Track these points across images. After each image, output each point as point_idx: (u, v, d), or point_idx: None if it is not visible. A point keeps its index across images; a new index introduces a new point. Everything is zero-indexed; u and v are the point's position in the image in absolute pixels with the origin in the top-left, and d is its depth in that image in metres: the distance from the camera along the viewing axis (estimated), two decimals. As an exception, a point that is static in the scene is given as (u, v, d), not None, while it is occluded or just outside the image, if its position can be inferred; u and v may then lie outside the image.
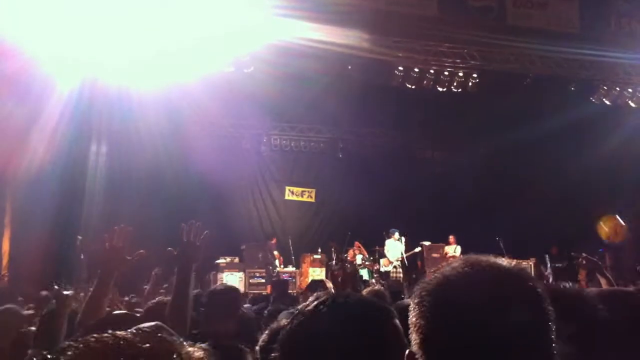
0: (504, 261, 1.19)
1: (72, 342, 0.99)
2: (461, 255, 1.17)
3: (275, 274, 15.15)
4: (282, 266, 15.50)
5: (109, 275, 3.14)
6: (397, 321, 1.49)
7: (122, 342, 0.99)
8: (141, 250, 3.46)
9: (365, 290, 4.59)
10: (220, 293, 4.15)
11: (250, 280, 14.90)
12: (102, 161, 13.21)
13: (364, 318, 1.45)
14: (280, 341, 1.49)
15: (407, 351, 1.20)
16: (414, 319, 1.18)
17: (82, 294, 10.60)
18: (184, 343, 1.08)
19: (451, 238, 16.04)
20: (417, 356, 1.17)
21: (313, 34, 11.62)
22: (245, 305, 5.98)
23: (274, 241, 15.89)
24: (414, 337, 1.18)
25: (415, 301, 1.19)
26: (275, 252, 15.56)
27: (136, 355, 0.97)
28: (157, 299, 5.04)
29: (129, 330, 1.07)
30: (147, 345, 1.00)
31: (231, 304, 3.99)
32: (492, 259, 1.20)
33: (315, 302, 1.50)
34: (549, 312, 1.14)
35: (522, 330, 1.10)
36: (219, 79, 12.69)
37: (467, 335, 1.09)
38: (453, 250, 15.92)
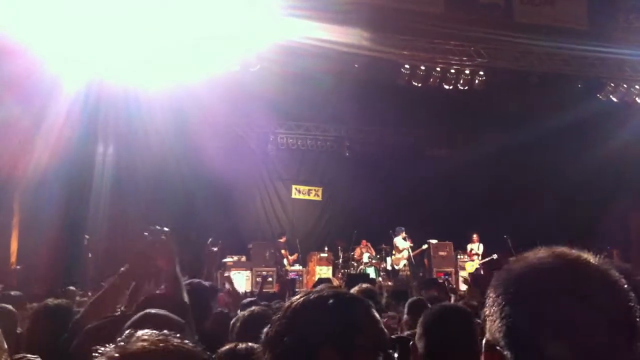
0: (590, 256, 1.16)
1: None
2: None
3: (283, 273, 15.20)
4: (290, 265, 15.51)
5: (131, 281, 3.12)
6: (375, 312, 1.58)
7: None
8: None
9: (356, 287, 4.56)
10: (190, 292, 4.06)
11: (257, 279, 14.92)
12: (109, 161, 13.25)
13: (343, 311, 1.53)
14: (267, 340, 1.55)
15: (484, 340, 1.17)
16: (495, 307, 1.15)
17: (89, 293, 10.68)
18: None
19: (475, 236, 16.02)
20: (499, 345, 1.14)
21: (319, 33, 11.60)
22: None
23: (283, 239, 15.87)
24: (495, 326, 1.14)
25: (499, 289, 1.15)
26: (283, 251, 15.56)
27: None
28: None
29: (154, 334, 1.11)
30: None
31: (201, 303, 3.93)
32: (579, 252, 1.17)
33: (301, 299, 1.57)
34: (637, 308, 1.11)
35: (610, 326, 1.07)
36: (225, 79, 12.69)
37: (555, 325, 1.07)
38: (477, 248, 15.90)
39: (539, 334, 1.08)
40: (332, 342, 1.49)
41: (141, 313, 2.34)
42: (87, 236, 12.57)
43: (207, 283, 4.64)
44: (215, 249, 13.42)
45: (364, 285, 4.72)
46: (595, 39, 13.27)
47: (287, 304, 1.64)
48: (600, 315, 1.07)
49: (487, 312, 1.18)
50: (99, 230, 12.83)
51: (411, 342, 2.48)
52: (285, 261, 15.45)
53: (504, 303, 1.13)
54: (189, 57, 11.72)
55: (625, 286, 1.13)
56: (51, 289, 9.62)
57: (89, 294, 11.21)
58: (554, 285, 1.09)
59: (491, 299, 1.17)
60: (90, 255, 12.44)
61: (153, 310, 2.35)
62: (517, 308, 1.11)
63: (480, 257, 15.68)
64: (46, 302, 3.72)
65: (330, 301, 1.57)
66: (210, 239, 13.25)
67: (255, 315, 3.62)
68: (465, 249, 16.11)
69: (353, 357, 1.50)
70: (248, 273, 14.93)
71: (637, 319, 1.10)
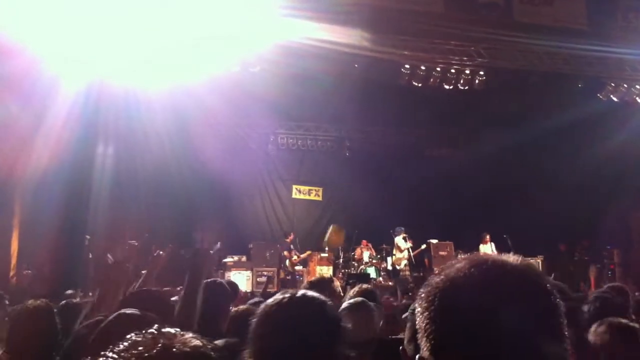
0: (509, 258, 1.15)
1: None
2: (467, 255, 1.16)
3: (286, 273, 15.25)
4: (294, 265, 15.47)
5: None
6: (332, 313, 1.67)
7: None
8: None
9: (354, 289, 4.53)
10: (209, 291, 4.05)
11: (258, 279, 14.93)
12: (109, 162, 13.24)
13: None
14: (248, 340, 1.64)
15: (417, 357, 1.16)
16: (422, 324, 1.14)
17: (90, 294, 10.69)
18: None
19: (487, 237, 15.78)
20: None
21: (319, 34, 11.60)
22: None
23: (290, 238, 15.82)
24: (423, 343, 1.14)
25: (423, 305, 1.15)
26: (286, 252, 15.53)
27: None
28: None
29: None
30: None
31: (220, 303, 3.93)
32: (497, 256, 1.17)
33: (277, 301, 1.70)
34: (560, 306, 1.12)
35: (534, 329, 1.07)
36: (225, 79, 12.70)
37: (479, 338, 1.06)
38: (490, 249, 15.74)
39: (465, 351, 1.07)
40: (303, 343, 1.56)
41: (115, 314, 2.39)
42: (87, 237, 12.57)
43: (224, 282, 4.62)
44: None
45: (364, 286, 4.70)
46: (595, 38, 13.25)
47: (261, 307, 1.73)
48: (523, 322, 1.06)
49: (417, 328, 1.17)
50: (100, 231, 12.82)
51: (401, 347, 2.47)
52: (287, 262, 15.43)
53: (428, 321, 1.13)
54: (189, 58, 11.73)
55: (547, 286, 1.13)
56: (52, 290, 9.65)
57: (90, 294, 11.26)
58: (473, 298, 1.08)
59: (418, 315, 1.17)
60: (91, 255, 12.44)
61: (128, 311, 2.40)
62: (440, 325, 1.11)
63: None
64: (26, 304, 3.71)
65: (300, 304, 1.67)
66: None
67: (242, 313, 3.66)
68: (477, 250, 15.98)
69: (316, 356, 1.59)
70: (248, 273, 14.94)
71: (561, 318, 1.11)
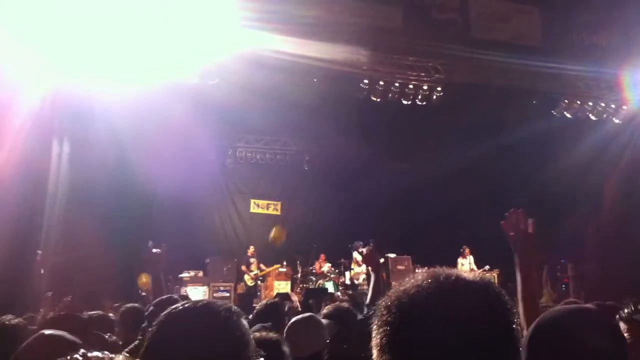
0: (468, 274, 1.17)
1: None
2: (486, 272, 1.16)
3: (244, 288, 15.11)
4: (252, 281, 15.30)
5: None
6: (244, 322, 1.65)
7: None
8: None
9: (329, 306, 4.46)
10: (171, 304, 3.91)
11: (215, 295, 14.73)
12: (65, 171, 12.87)
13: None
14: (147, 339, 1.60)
15: None
16: (378, 338, 1.14)
17: (41, 310, 10.34)
18: None
19: (466, 249, 15.84)
20: None
21: (279, 45, 11.58)
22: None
23: (251, 251, 15.65)
24: (376, 355, 1.15)
25: (380, 319, 1.16)
26: (243, 267, 15.36)
27: None
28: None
29: None
30: None
31: None
32: (455, 271, 1.18)
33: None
34: (516, 325, 1.13)
35: (489, 347, 1.08)
36: (183, 89, 12.56)
37: (434, 355, 1.07)
38: (468, 263, 15.75)
39: None
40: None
41: (36, 335, 2.39)
42: (39, 252, 12.17)
43: (179, 297, 4.48)
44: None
45: (342, 305, 4.57)
46: (549, 55, 13.54)
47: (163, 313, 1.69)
48: (480, 340, 1.07)
49: (373, 339, 1.18)
50: (52, 244, 12.45)
51: None
52: (246, 276, 15.25)
53: (384, 335, 1.14)
54: (149, 66, 11.56)
55: (507, 304, 1.15)
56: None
57: (41, 310, 10.90)
58: (430, 315, 1.09)
59: (374, 329, 1.17)
60: (42, 271, 12.06)
61: (47, 332, 2.40)
62: (396, 340, 1.12)
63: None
64: None
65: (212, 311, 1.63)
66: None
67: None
68: (455, 263, 16.00)
69: None
70: (205, 288, 14.72)
71: (516, 337, 1.13)
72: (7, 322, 3.81)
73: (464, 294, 1.12)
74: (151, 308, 3.92)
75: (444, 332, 1.06)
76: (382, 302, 1.17)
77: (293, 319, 3.59)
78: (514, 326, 1.12)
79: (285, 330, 3.44)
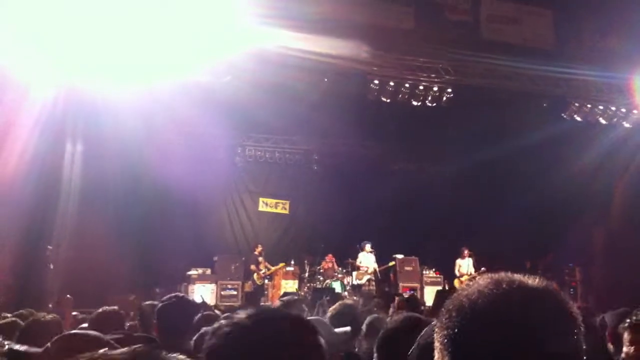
0: (532, 280, 1.17)
1: None
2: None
3: (252, 287, 15.11)
4: (261, 280, 15.29)
5: None
6: (319, 337, 1.52)
7: None
8: None
9: (337, 304, 4.46)
10: (173, 305, 3.87)
11: (222, 293, 14.77)
12: (77, 168, 12.93)
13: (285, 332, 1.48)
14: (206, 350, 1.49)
15: None
16: (439, 341, 1.16)
17: (50, 305, 10.39)
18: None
19: (465, 251, 15.80)
20: None
21: (290, 43, 11.58)
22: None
23: (258, 250, 15.62)
24: (436, 357, 1.17)
25: (442, 323, 1.17)
26: (252, 266, 15.36)
27: None
28: (101, 309, 4.98)
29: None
30: None
31: (185, 318, 3.80)
32: (518, 277, 1.18)
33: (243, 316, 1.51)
34: (580, 333, 1.14)
35: (552, 353, 1.08)
36: (194, 87, 12.60)
37: (496, 355, 1.07)
38: (467, 264, 15.71)
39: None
40: None
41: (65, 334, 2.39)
42: (49, 247, 12.25)
43: (191, 299, 4.51)
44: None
45: (348, 302, 4.55)
46: (561, 59, 13.51)
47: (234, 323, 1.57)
48: (548, 345, 1.07)
49: (435, 342, 1.19)
50: (64, 240, 12.52)
51: None
52: (255, 275, 15.24)
53: (448, 334, 1.14)
54: (160, 63, 11.58)
55: (572, 309, 1.15)
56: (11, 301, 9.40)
57: (50, 305, 10.97)
58: (498, 319, 1.10)
59: (437, 332, 1.19)
60: (52, 266, 12.13)
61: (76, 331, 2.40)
62: (464, 344, 1.12)
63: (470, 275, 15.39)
64: None
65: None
66: None
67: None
68: (454, 264, 16.00)
69: None
70: (213, 286, 14.76)
71: (582, 342, 1.13)
72: (42, 319, 3.93)
73: (527, 300, 1.12)
74: (160, 305, 3.95)
75: (504, 338, 1.07)
76: (445, 305, 1.19)
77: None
78: (577, 332, 1.13)
79: None
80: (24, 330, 3.85)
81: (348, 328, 3.34)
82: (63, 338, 2.64)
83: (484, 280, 1.18)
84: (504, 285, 1.14)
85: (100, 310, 4.90)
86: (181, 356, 1.08)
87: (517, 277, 1.18)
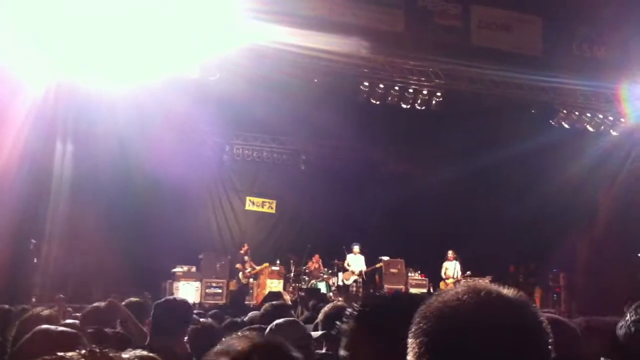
0: (508, 292, 1.19)
1: None
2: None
3: (237, 286, 15.09)
4: (247, 278, 15.26)
5: None
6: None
7: None
8: None
9: (329, 305, 4.44)
10: (169, 305, 3.94)
11: (207, 291, 14.74)
12: (67, 164, 12.87)
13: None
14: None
15: None
16: (415, 347, 1.17)
17: (33, 299, 10.34)
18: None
19: (450, 254, 15.82)
20: None
21: (283, 39, 11.57)
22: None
23: (244, 249, 15.58)
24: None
25: (419, 328, 1.18)
26: (238, 265, 15.33)
27: None
28: (93, 305, 4.98)
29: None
30: None
31: (181, 317, 3.84)
32: (496, 288, 1.19)
33: None
34: (549, 346, 1.16)
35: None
36: (183, 84, 12.57)
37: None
38: (453, 267, 15.74)
39: None
40: None
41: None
42: (33, 241, 12.17)
43: (179, 299, 4.50)
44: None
45: (339, 303, 4.50)
46: (549, 67, 13.58)
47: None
48: (510, 353, 1.10)
49: (410, 347, 1.20)
50: (54, 234, 12.45)
51: None
52: (240, 274, 15.21)
53: (427, 340, 1.15)
54: (151, 59, 11.54)
55: (544, 322, 1.17)
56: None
57: (33, 299, 10.91)
58: (472, 328, 1.11)
59: (411, 341, 1.19)
60: (36, 260, 12.07)
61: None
62: (435, 352, 1.13)
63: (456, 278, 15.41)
64: None
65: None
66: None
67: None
68: (440, 266, 16.06)
69: None
70: (198, 284, 14.73)
71: (550, 355, 1.15)
72: (41, 314, 3.96)
73: (503, 310, 1.14)
74: (154, 305, 3.97)
75: (481, 346, 1.09)
76: (420, 311, 1.20)
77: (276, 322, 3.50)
78: (548, 346, 1.15)
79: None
80: (22, 323, 3.85)
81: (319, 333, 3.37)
82: (39, 332, 2.63)
83: (461, 288, 1.19)
84: (482, 295, 1.16)
85: (91, 306, 4.93)
86: (139, 352, 1.09)
87: (495, 287, 1.19)
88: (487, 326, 1.11)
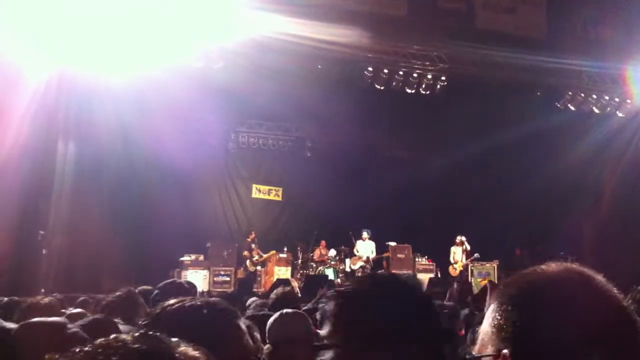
0: (598, 275, 1.18)
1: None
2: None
3: (245, 273, 15.14)
4: (254, 266, 15.31)
5: None
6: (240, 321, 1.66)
7: (116, 344, 0.97)
8: None
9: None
10: (174, 288, 3.94)
11: (215, 279, 14.79)
12: (70, 154, 12.88)
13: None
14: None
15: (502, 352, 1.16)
16: (504, 317, 1.15)
17: (42, 290, 10.38)
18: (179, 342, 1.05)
19: (458, 239, 15.59)
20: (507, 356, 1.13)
21: (286, 28, 11.55)
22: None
23: (251, 237, 15.63)
24: (503, 335, 1.14)
25: (509, 300, 1.16)
26: (246, 252, 15.37)
27: (130, 355, 0.95)
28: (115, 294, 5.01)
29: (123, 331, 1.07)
30: (140, 346, 0.98)
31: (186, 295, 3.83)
32: (587, 271, 1.19)
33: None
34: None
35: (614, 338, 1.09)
36: (188, 72, 12.56)
37: (565, 338, 1.08)
38: (461, 251, 15.66)
39: (554, 346, 1.08)
40: None
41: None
42: (41, 232, 12.22)
43: (184, 282, 4.52)
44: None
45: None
46: (554, 49, 13.51)
47: (160, 306, 1.71)
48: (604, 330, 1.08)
49: (489, 322, 1.18)
50: (58, 225, 12.49)
51: None
52: (248, 262, 15.27)
53: (516, 315, 1.13)
54: (154, 49, 11.54)
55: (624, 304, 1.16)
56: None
57: (42, 290, 10.97)
58: (571, 299, 1.11)
59: (498, 309, 1.17)
60: (44, 251, 12.12)
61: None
62: (533, 320, 1.11)
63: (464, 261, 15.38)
64: None
65: (203, 311, 1.64)
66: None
67: None
68: (448, 251, 16.01)
69: None
70: (206, 272, 14.77)
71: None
72: (40, 302, 3.97)
73: (594, 292, 1.14)
74: (156, 291, 3.98)
75: (573, 328, 1.08)
76: (504, 293, 1.18)
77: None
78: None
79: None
80: (22, 312, 3.88)
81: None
82: (28, 325, 2.65)
83: (551, 268, 1.19)
84: (574, 276, 1.16)
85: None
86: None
87: (587, 270, 1.19)
88: (578, 307, 1.10)
